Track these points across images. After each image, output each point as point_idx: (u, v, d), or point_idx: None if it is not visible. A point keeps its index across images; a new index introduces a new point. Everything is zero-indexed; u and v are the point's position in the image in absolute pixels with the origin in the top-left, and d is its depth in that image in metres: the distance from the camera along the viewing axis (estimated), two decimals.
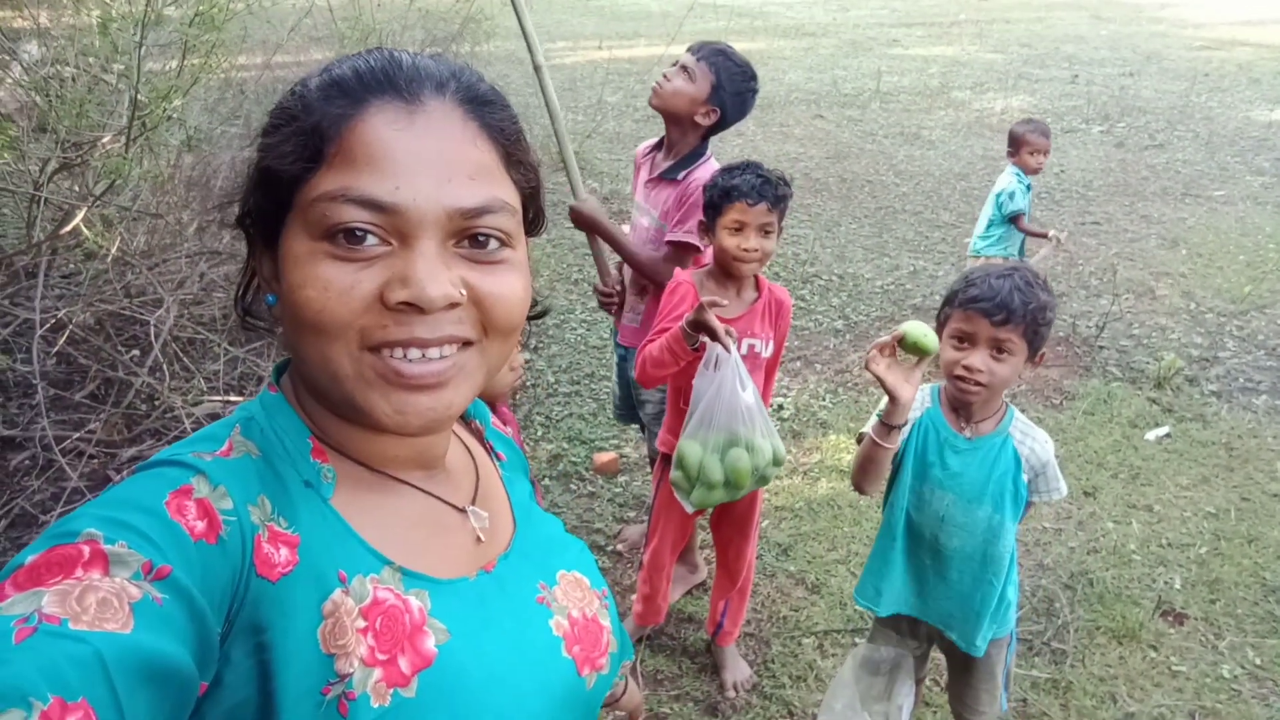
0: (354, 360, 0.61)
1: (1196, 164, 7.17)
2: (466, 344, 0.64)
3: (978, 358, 1.65)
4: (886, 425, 1.68)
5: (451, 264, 0.61)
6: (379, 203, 0.58)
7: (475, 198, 0.61)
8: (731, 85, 2.26)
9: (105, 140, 2.81)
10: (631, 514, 3.08)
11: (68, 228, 2.77)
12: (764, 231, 2.01)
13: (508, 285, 0.64)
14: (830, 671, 2.42)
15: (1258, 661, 2.51)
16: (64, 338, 2.80)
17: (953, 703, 2.05)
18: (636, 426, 3.06)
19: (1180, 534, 3.04)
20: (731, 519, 2.30)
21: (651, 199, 2.38)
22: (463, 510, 0.74)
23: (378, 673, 0.59)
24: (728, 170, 2.05)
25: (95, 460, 2.74)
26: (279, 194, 0.62)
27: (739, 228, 2.00)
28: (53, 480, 2.61)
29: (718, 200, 2.02)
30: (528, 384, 3.83)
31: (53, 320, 2.79)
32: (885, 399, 1.67)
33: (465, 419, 0.87)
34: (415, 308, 0.59)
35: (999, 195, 4.09)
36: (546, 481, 3.22)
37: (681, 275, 2.14)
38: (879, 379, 1.64)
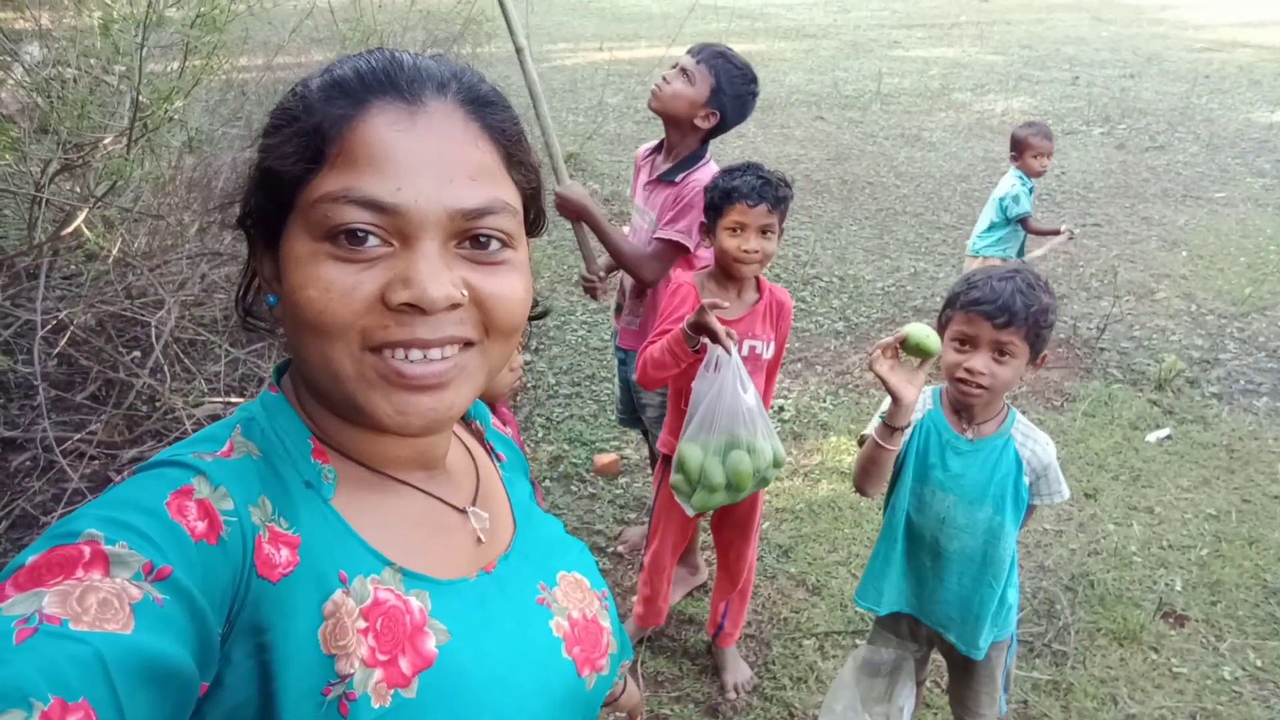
0: (355, 361, 0.61)
1: (1197, 166, 7.17)
2: (468, 345, 0.64)
3: (979, 360, 1.65)
4: (889, 427, 1.68)
5: (453, 265, 0.61)
6: (380, 204, 0.58)
7: (476, 199, 0.61)
8: (731, 88, 2.25)
9: (107, 141, 2.81)
10: (632, 515, 3.08)
11: (69, 229, 2.77)
12: (764, 233, 2.01)
13: (509, 286, 0.64)
14: (831, 673, 2.42)
15: (1259, 663, 2.50)
16: (65, 339, 2.80)
17: (953, 704, 2.05)
18: (638, 429, 3.06)
19: (1181, 536, 3.03)
20: (732, 521, 2.30)
21: (650, 201, 2.37)
22: (463, 511, 0.74)
23: (378, 673, 0.59)
24: (728, 172, 2.05)
25: (96, 461, 2.74)
26: (280, 195, 0.62)
27: (739, 229, 2.00)
28: (54, 481, 2.61)
29: (718, 201, 2.02)
30: (528, 386, 3.84)
31: (54, 321, 2.80)
32: (888, 400, 1.67)
33: (466, 420, 0.87)
34: (417, 309, 0.59)
35: (1002, 199, 4.09)
36: (547, 483, 3.21)
37: (683, 277, 2.14)
38: (882, 380, 1.64)
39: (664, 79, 2.28)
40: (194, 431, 0.66)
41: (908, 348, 1.63)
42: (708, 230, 2.09)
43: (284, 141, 0.61)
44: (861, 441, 1.80)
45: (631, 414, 2.70)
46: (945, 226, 5.91)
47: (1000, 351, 1.65)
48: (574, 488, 3.21)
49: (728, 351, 1.87)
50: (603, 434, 3.53)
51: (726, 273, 2.08)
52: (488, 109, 0.65)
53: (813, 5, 15.84)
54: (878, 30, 13.54)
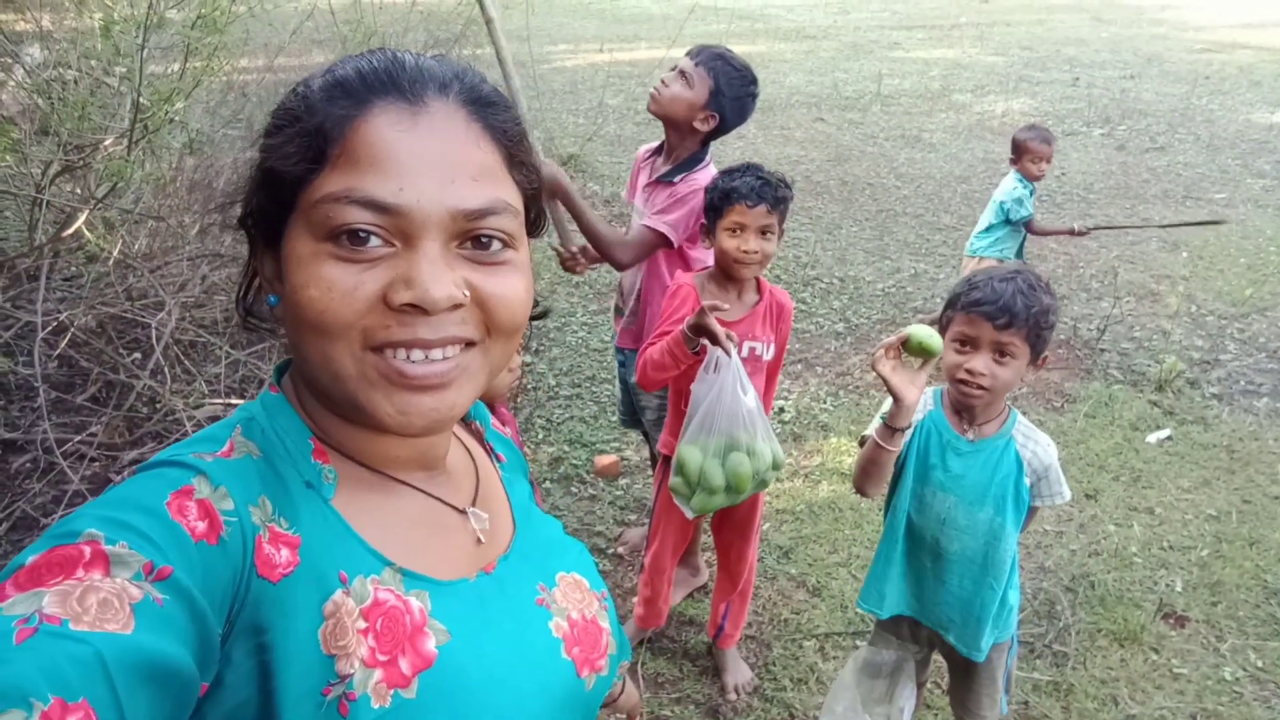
0: (356, 360, 0.61)
1: (1197, 167, 7.17)
2: (469, 345, 0.64)
3: (980, 361, 1.65)
4: (890, 428, 1.68)
5: (454, 265, 0.61)
6: (382, 204, 0.58)
7: (478, 199, 0.61)
8: (730, 90, 2.24)
9: (107, 143, 2.81)
10: (632, 517, 3.08)
11: (69, 230, 2.77)
12: (764, 233, 2.01)
13: (510, 286, 0.65)
14: (831, 674, 2.42)
15: (1259, 664, 2.50)
16: (65, 340, 2.80)
17: (954, 705, 2.04)
18: (639, 430, 3.06)
19: (1181, 536, 3.03)
20: (733, 522, 2.30)
21: (649, 203, 2.36)
22: (463, 511, 0.74)
23: (378, 673, 0.59)
24: (728, 173, 2.05)
25: (96, 463, 2.74)
26: (282, 195, 0.62)
27: (739, 230, 2.00)
28: (54, 483, 2.61)
29: (718, 202, 2.02)
30: (529, 387, 3.84)
31: (54, 323, 2.80)
32: (889, 401, 1.67)
33: (466, 420, 0.87)
34: (419, 309, 0.59)
35: (1004, 203, 4.09)
36: (547, 484, 3.21)
37: (683, 278, 2.14)
38: (884, 380, 1.63)
39: (662, 82, 2.27)
40: (194, 433, 0.66)
41: (910, 348, 1.63)
42: (707, 231, 2.08)
43: (286, 141, 0.61)
44: (862, 442, 1.79)
45: (632, 415, 2.69)
46: (945, 228, 5.91)
47: (1001, 352, 1.65)
48: (574, 489, 3.21)
49: (727, 353, 1.87)
50: (603, 435, 3.53)
51: (726, 274, 2.08)
52: (489, 109, 0.65)
53: (813, 6, 15.85)
54: (878, 31, 13.55)
